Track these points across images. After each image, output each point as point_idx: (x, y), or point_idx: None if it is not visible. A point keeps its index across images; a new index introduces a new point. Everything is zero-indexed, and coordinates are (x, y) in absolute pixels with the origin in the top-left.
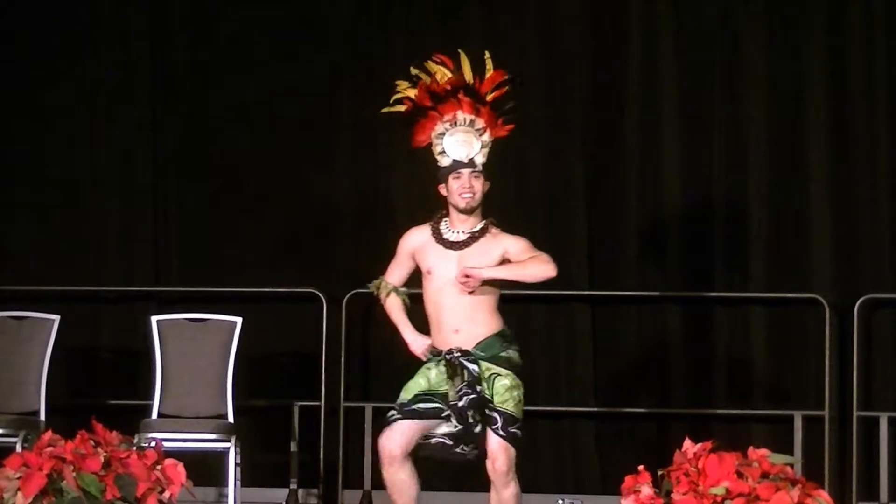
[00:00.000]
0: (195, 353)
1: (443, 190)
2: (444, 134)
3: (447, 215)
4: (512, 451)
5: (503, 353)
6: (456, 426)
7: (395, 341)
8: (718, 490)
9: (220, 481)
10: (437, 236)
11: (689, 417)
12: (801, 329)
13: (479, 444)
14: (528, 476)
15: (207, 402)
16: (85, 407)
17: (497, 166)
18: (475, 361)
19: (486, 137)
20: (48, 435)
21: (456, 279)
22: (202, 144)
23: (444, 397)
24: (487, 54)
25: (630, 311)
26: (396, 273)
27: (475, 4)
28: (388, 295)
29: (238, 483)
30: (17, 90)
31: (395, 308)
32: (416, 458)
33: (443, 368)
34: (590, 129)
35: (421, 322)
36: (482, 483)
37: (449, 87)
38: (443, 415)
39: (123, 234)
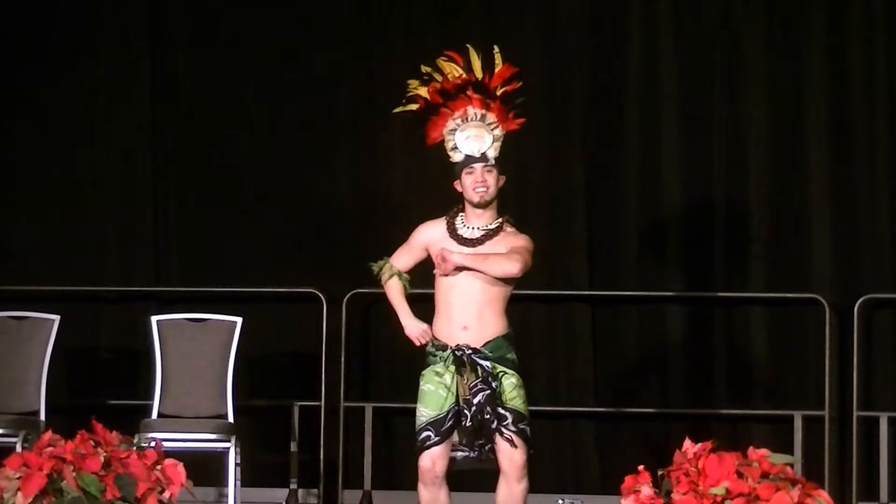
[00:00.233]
0: (195, 353)
1: (458, 186)
2: (455, 130)
3: (463, 210)
4: (524, 445)
5: (508, 355)
6: (470, 423)
7: (396, 341)
8: (718, 490)
9: (220, 481)
10: (452, 232)
11: (689, 417)
12: (801, 329)
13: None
14: (528, 476)
15: (207, 402)
16: (85, 407)
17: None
18: (485, 359)
19: (498, 132)
20: (48, 435)
21: (434, 256)
22: (202, 144)
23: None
24: (496, 49)
25: (630, 311)
26: (404, 258)
27: (475, 4)
28: (389, 277)
29: (238, 483)
30: (17, 90)
31: (394, 291)
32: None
33: (451, 366)
34: (590, 129)
35: (425, 318)
36: (482, 483)
37: (459, 84)
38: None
39: (123, 234)
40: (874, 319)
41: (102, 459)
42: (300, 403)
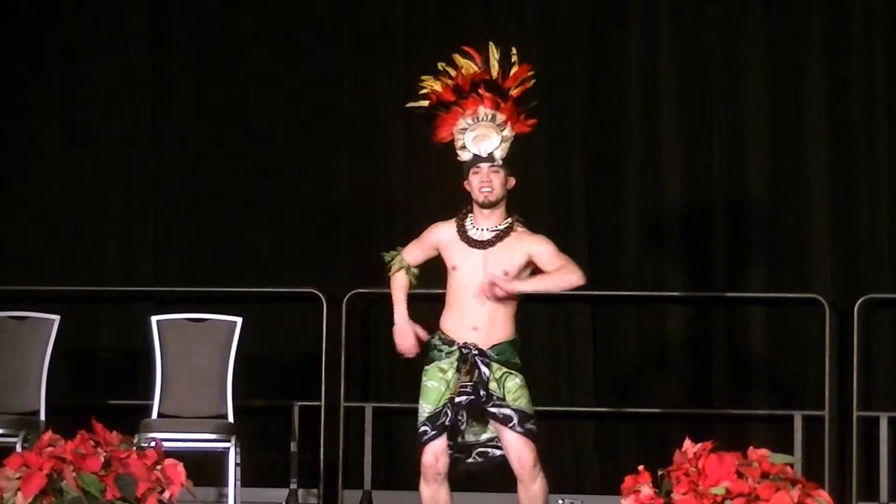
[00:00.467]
0: (195, 353)
1: (466, 186)
2: (465, 129)
3: (472, 211)
4: (532, 445)
5: (513, 360)
6: (448, 422)
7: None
8: (718, 490)
9: (220, 481)
10: (462, 234)
11: (689, 417)
12: (801, 329)
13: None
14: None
15: (207, 402)
16: (85, 407)
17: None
18: (488, 364)
19: (508, 132)
20: (48, 435)
21: (482, 288)
22: (202, 144)
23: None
24: (514, 50)
25: (630, 311)
26: (415, 253)
27: (475, 4)
28: (398, 270)
29: (238, 483)
30: (17, 90)
31: (399, 285)
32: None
33: (456, 363)
34: (590, 129)
35: (425, 318)
36: (481, 483)
37: (472, 80)
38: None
39: (123, 234)
40: (874, 319)
41: (102, 459)
42: (300, 403)
